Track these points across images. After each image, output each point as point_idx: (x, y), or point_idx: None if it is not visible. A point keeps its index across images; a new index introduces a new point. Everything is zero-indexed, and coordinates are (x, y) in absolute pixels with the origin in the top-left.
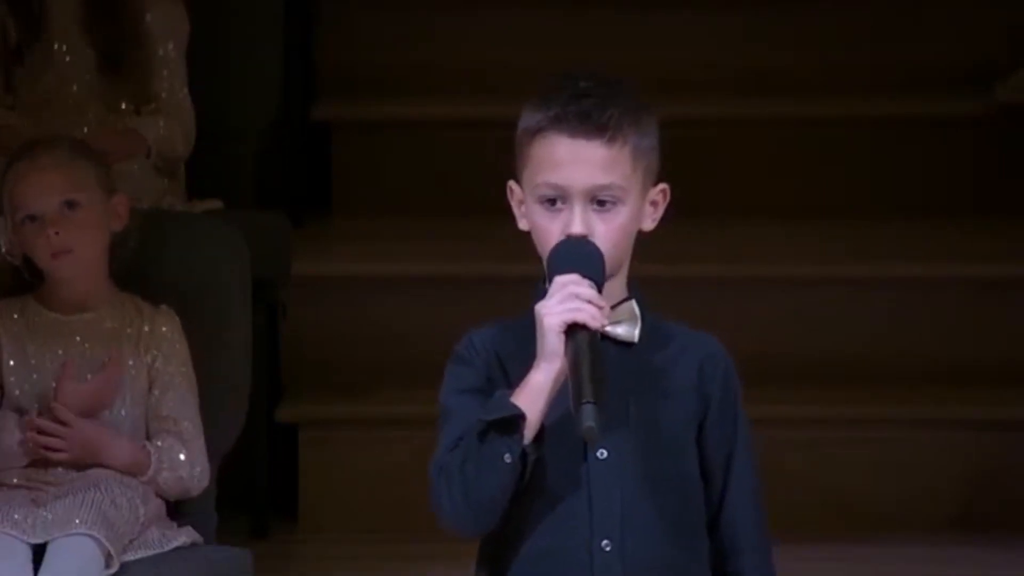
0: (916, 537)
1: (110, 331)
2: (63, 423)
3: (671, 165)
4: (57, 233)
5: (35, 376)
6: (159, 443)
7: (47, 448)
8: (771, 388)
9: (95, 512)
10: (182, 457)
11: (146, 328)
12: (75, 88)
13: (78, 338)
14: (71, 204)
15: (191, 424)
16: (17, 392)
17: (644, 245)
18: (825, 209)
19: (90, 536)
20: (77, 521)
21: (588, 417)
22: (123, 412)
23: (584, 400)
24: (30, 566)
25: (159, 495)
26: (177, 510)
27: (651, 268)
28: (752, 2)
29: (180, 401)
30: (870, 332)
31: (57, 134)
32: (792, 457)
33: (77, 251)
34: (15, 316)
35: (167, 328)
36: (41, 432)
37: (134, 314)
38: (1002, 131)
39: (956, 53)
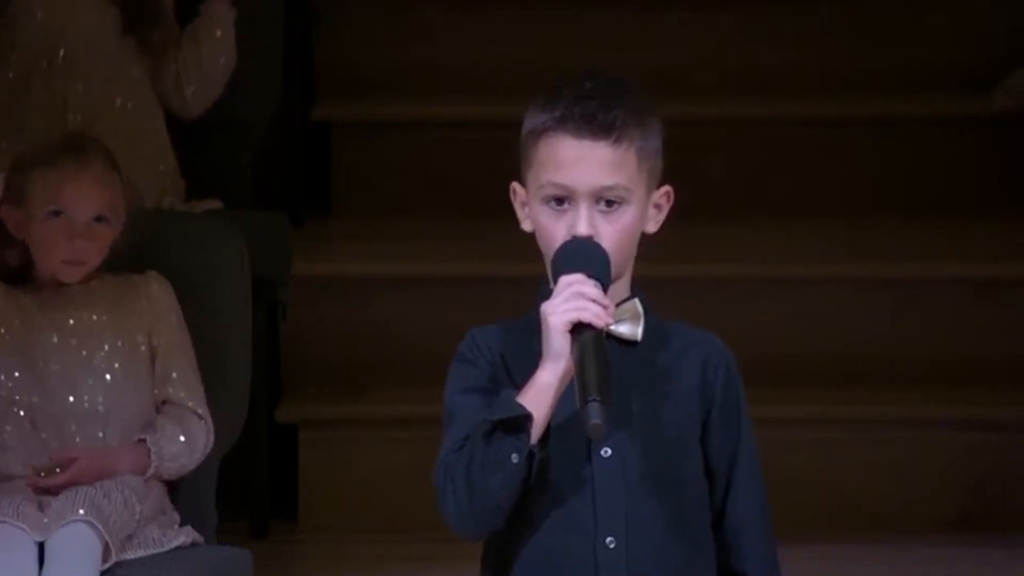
0: (916, 537)
1: (104, 304)
2: (64, 468)
3: (671, 165)
4: (79, 243)
5: (31, 358)
6: (157, 434)
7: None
8: (771, 388)
9: (88, 503)
10: (181, 440)
11: (143, 303)
12: (72, 52)
13: (74, 312)
14: (100, 219)
15: (192, 396)
16: (14, 382)
17: (644, 245)
18: (825, 209)
19: (87, 523)
20: (73, 511)
21: (594, 414)
22: (114, 398)
23: (590, 397)
24: (36, 562)
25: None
26: (177, 510)
27: (652, 268)
28: (752, 2)
29: (181, 375)
30: (870, 332)
31: (98, 139)
32: (792, 457)
33: (88, 264)
34: (10, 302)
35: (163, 302)
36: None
37: (126, 288)
38: (1002, 131)
39: (956, 53)
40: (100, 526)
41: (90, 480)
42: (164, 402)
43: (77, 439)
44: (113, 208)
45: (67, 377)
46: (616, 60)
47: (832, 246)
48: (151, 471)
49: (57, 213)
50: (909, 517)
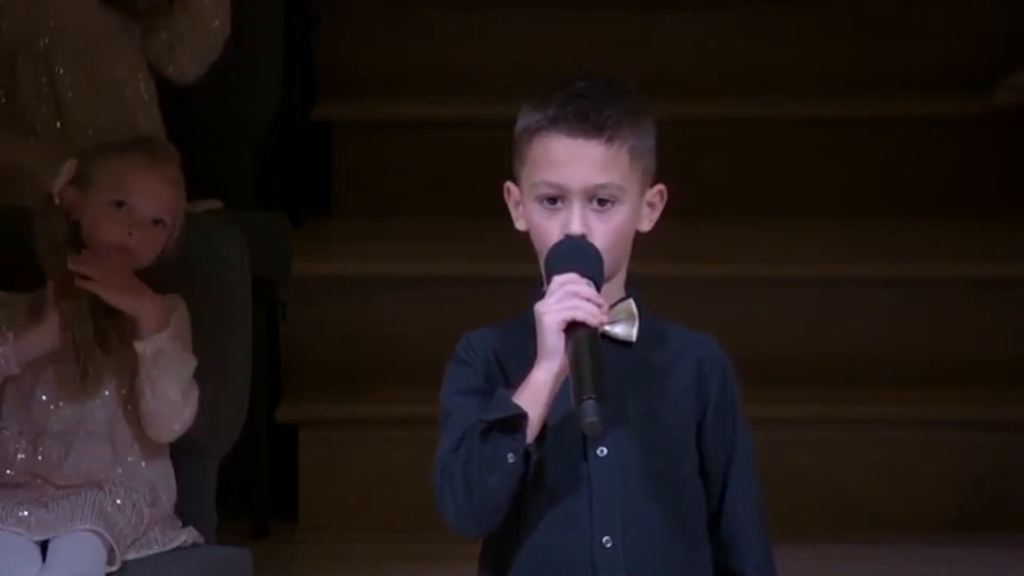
0: (916, 537)
1: (115, 319)
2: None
3: (671, 165)
4: (136, 237)
5: (37, 374)
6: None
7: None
8: (771, 388)
9: (96, 511)
10: (185, 375)
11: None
12: (54, 38)
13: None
14: (158, 221)
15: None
16: (21, 398)
17: (644, 245)
18: (825, 209)
19: (93, 531)
20: (79, 519)
21: (590, 412)
22: (107, 412)
23: (585, 396)
24: (37, 564)
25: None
26: (177, 511)
27: (651, 268)
28: (752, 2)
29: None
30: (870, 332)
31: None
32: (792, 457)
33: (135, 257)
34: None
35: (174, 326)
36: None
37: None
38: (1002, 131)
39: (956, 53)
40: (106, 534)
41: (120, 290)
42: None
43: (83, 456)
44: (173, 215)
45: (72, 393)
46: (616, 60)
47: (832, 246)
48: (156, 345)
49: (120, 204)
50: (909, 517)
